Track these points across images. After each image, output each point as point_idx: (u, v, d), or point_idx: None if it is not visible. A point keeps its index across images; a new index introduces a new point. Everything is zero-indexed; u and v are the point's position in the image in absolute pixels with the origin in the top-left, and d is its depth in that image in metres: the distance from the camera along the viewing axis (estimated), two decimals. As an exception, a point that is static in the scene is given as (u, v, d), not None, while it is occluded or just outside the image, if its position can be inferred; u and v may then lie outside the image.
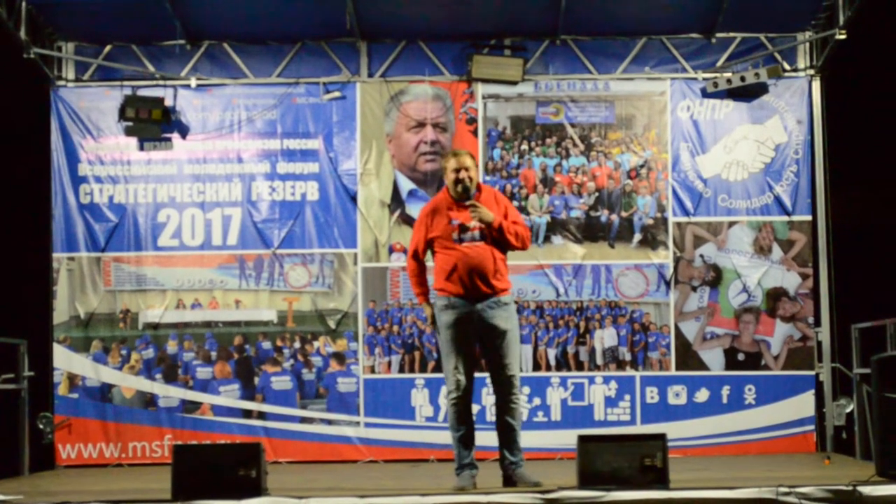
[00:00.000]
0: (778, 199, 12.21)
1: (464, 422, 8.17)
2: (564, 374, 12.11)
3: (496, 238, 8.13)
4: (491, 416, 11.49)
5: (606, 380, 12.10)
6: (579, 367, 12.12)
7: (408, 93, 12.34)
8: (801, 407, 12.03)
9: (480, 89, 12.32)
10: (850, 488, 7.25)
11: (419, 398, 12.07)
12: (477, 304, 8.10)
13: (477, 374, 8.30)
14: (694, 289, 12.18)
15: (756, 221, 12.22)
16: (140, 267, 12.19)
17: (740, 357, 12.12)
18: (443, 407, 11.92)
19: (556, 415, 12.03)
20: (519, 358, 8.29)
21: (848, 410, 11.67)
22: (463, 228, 8.13)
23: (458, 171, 8.18)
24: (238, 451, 7.80)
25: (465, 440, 8.19)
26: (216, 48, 12.38)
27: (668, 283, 12.16)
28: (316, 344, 12.17)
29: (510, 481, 8.13)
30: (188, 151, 12.31)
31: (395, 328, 12.12)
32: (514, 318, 8.25)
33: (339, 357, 12.13)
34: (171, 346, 12.17)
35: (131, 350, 12.15)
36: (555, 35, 12.25)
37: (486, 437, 8.61)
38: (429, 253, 8.35)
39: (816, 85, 12.31)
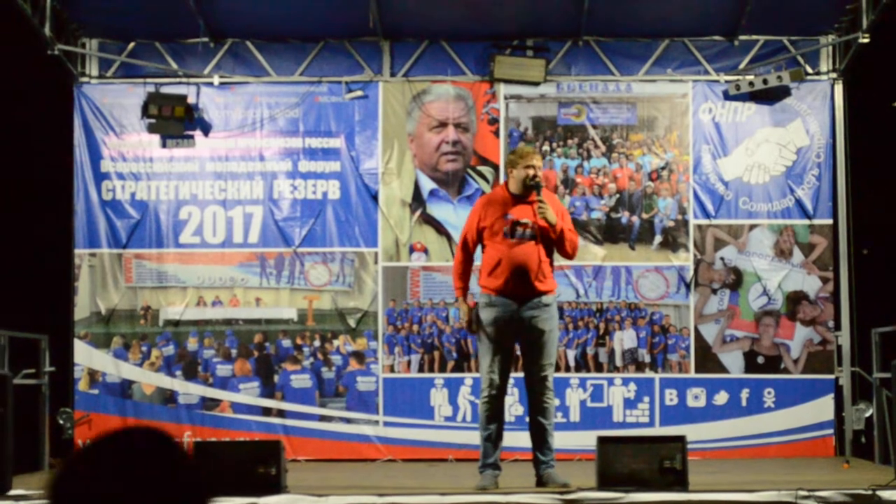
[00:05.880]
0: (799, 203, 12.17)
1: (493, 421, 8.19)
2: (584, 375, 12.09)
3: (552, 240, 8.10)
4: (509, 416, 11.55)
5: (625, 381, 12.08)
6: (598, 368, 12.11)
7: (430, 92, 12.34)
8: (821, 411, 11.99)
9: (502, 90, 12.31)
10: (870, 492, 7.26)
11: (438, 398, 12.07)
12: (519, 304, 8.09)
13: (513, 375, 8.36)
14: (714, 291, 12.15)
15: (777, 225, 12.19)
16: (161, 264, 12.22)
17: (760, 360, 12.09)
18: (461, 407, 11.94)
19: (574, 416, 12.02)
20: (555, 358, 8.31)
21: (867, 415, 11.63)
22: (516, 224, 8.12)
23: (531, 167, 8.17)
24: (258, 449, 7.88)
25: (493, 440, 8.20)
26: (239, 46, 12.40)
27: (688, 286, 12.14)
28: (336, 342, 12.18)
29: (542, 481, 8.15)
30: (210, 149, 12.33)
31: (415, 327, 12.13)
32: (555, 318, 8.26)
33: (359, 356, 12.15)
34: (192, 344, 12.20)
35: (152, 347, 12.18)
36: (577, 36, 12.24)
37: (511, 438, 8.62)
38: (478, 249, 8.32)
39: (839, 88, 12.25)
